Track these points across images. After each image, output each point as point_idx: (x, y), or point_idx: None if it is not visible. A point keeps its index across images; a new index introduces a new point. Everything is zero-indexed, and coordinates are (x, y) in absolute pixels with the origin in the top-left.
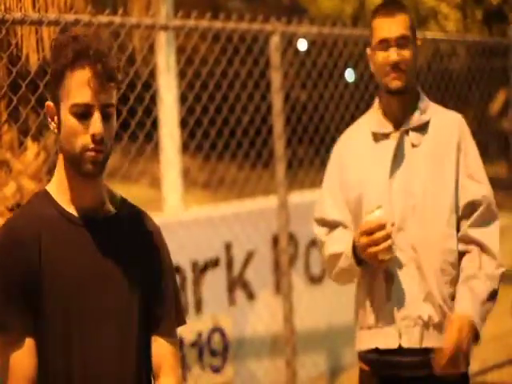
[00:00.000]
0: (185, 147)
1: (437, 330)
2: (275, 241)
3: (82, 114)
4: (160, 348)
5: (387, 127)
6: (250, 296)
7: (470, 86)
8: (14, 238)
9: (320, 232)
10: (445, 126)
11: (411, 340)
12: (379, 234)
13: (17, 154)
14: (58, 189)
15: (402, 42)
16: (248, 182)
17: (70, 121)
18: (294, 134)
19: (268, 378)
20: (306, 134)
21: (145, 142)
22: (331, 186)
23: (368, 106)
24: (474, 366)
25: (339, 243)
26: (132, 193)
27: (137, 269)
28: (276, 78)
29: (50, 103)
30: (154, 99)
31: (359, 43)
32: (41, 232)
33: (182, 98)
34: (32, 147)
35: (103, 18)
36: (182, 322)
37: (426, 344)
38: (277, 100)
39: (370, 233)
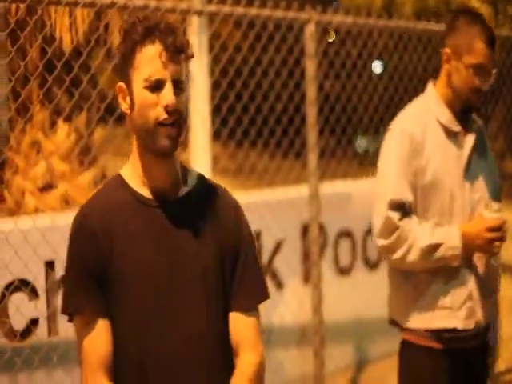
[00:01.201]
0: (216, 135)
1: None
2: (304, 230)
3: (155, 86)
4: (239, 324)
5: (456, 125)
6: (279, 285)
7: (505, 81)
8: (86, 226)
9: (394, 216)
10: (481, 128)
11: (485, 317)
12: (503, 232)
13: (48, 134)
14: (132, 171)
15: (488, 73)
16: (278, 171)
17: (143, 95)
18: (326, 124)
19: (295, 368)
20: (338, 124)
21: None
22: (403, 166)
23: (400, 97)
24: (500, 366)
25: (431, 234)
26: None
27: (214, 246)
28: (310, 66)
29: (121, 84)
30: None
31: (394, 35)
32: (113, 218)
33: (216, 85)
34: (63, 128)
35: (138, 2)
36: (264, 296)
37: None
38: (310, 89)
39: (494, 229)
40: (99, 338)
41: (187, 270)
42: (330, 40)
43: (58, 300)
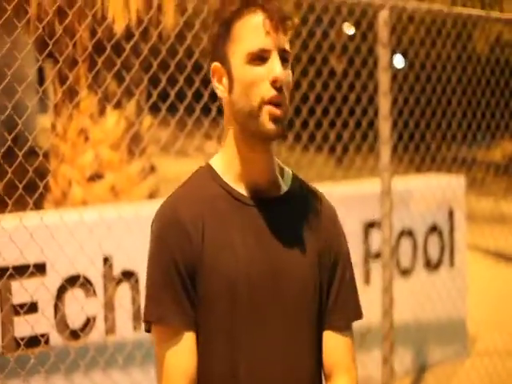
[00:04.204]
0: None
1: None
2: (367, 229)
3: (259, 58)
4: (332, 344)
5: None
6: None
7: None
8: (175, 220)
9: None
10: None
11: None
12: None
13: (97, 121)
14: (225, 163)
15: None
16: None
17: (244, 70)
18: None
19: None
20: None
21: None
22: None
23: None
24: None
25: None
26: None
27: (310, 254)
28: (384, 55)
29: (216, 64)
30: None
31: (468, 22)
32: (204, 213)
33: None
34: (112, 115)
35: None
36: (359, 315)
37: None
38: (384, 78)
39: None
40: (184, 352)
41: (289, 281)
42: (350, 33)
43: (116, 297)
